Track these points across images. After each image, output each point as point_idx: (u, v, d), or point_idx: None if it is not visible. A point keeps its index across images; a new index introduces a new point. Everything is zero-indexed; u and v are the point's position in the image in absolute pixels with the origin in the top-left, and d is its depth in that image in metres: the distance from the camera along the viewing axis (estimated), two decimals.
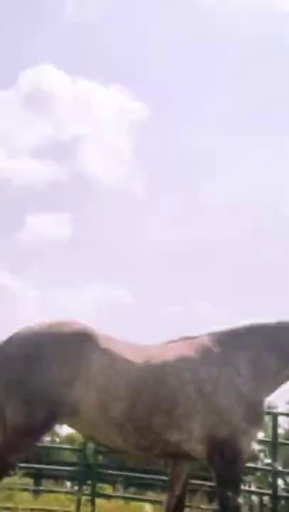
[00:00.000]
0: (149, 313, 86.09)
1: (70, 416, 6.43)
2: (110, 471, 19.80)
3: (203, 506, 16.30)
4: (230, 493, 6.47)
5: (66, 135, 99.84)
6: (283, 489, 31.17)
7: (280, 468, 16.40)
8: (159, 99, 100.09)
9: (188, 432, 6.48)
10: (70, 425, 6.93)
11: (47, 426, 6.52)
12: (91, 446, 15.85)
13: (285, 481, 38.87)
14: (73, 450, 16.75)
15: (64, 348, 6.33)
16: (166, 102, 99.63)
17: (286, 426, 48.70)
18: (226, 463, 6.52)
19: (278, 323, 7.28)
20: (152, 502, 16.96)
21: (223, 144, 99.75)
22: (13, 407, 6.15)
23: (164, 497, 19.49)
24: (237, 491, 6.61)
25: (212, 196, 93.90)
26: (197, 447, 6.57)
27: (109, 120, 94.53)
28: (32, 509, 12.30)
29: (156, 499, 19.02)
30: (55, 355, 6.26)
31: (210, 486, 18.60)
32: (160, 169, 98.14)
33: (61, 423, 6.97)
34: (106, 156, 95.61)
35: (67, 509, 13.69)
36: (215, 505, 16.58)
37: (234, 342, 7.06)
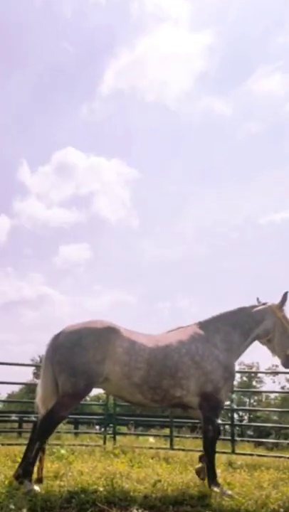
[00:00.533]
0: (146, 308, 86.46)
1: (103, 383, 6.66)
2: (125, 417, 20.03)
3: (187, 436, 16.47)
4: (210, 426, 6.81)
5: (84, 192, 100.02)
6: (237, 420, 31.39)
7: (234, 406, 16.83)
8: (145, 166, 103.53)
9: (187, 389, 6.75)
10: (104, 389, 7.18)
11: (86, 391, 6.69)
12: (111, 401, 15.95)
13: (238, 414, 39.03)
14: (99, 405, 16.90)
15: (97, 338, 6.48)
16: (149, 167, 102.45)
17: (238, 380, 48.71)
18: (210, 408, 6.85)
19: (239, 309, 7.51)
20: (154, 436, 17.23)
21: (189, 189, 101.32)
22: (63, 379, 6.36)
23: (162, 432, 19.63)
24: (215, 425, 6.87)
25: (185, 226, 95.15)
26: (193, 399, 6.85)
27: (112, 180, 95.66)
28: (73, 445, 12.45)
29: (157, 434, 19.25)
30: (91, 343, 6.43)
31: (192, 423, 18.96)
32: (148, 210, 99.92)
33: (97, 388, 7.07)
34: (112, 203, 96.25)
35: (97, 443, 13.80)
36: (195, 435, 16.87)
37: (211, 326, 7.25)
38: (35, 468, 6.37)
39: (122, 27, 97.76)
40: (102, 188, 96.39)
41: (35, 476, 6.31)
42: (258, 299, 7.80)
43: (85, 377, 6.37)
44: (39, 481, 6.30)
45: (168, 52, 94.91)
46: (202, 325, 7.35)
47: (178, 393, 6.76)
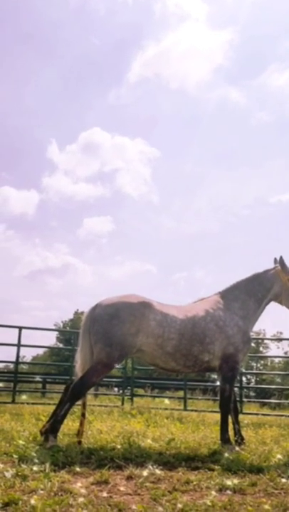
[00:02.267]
0: (164, 278, 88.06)
1: (137, 353, 6.80)
2: (142, 380, 20.13)
3: (199, 397, 16.56)
4: (227, 386, 6.91)
5: (108, 168, 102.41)
6: (245, 382, 31.59)
7: (243, 370, 16.86)
8: (165, 146, 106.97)
9: (213, 353, 6.87)
10: (139, 357, 7.28)
11: (119, 361, 6.72)
12: (129, 365, 16.06)
13: (246, 377, 39.40)
14: (118, 368, 16.99)
15: (133, 312, 6.54)
16: (169, 147, 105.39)
17: None
18: (229, 368, 6.93)
19: (253, 276, 7.62)
20: (169, 398, 17.30)
21: (204, 168, 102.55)
22: (99, 348, 6.42)
23: (176, 394, 19.73)
24: (232, 386, 7.02)
25: (200, 203, 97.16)
26: (218, 362, 6.96)
27: (135, 159, 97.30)
28: (93, 405, 12.52)
29: (172, 396, 19.33)
30: (127, 316, 6.49)
31: (204, 385, 19.00)
32: (167, 186, 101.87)
33: (132, 357, 7.06)
34: (134, 180, 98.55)
35: (116, 404, 13.88)
36: (206, 397, 16.97)
37: (230, 295, 7.39)
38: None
39: (148, 24, 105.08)
40: (125, 166, 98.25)
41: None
42: (275, 259, 7.83)
43: (119, 348, 6.44)
44: (79, 443, 6.33)
45: (190, 47, 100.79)
46: (222, 294, 7.48)
47: (206, 358, 6.86)
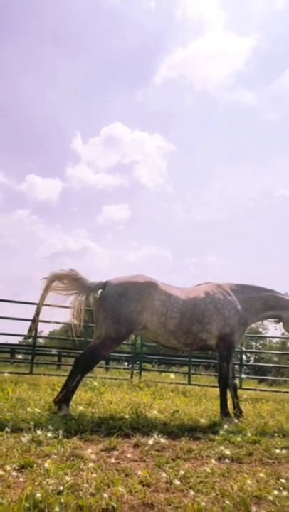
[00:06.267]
0: (175, 263, 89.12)
1: (141, 330, 6.76)
2: (150, 356, 20.18)
3: (202, 373, 16.60)
4: (224, 364, 6.96)
5: (127, 161, 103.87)
6: (245, 360, 31.67)
7: (243, 349, 16.86)
8: (180, 141, 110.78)
9: (211, 332, 6.91)
10: (143, 334, 7.31)
11: (126, 337, 6.75)
12: (138, 342, 16.09)
13: (246, 355, 39.49)
14: (128, 344, 17.02)
15: (139, 291, 6.55)
16: (184, 143, 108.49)
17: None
18: (225, 347, 6.95)
19: (272, 290, 7.54)
20: (174, 373, 17.33)
21: (215, 163, 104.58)
22: (107, 324, 6.40)
23: (181, 370, 19.73)
24: (229, 363, 7.02)
25: (211, 193, 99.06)
26: (214, 341, 6.98)
27: (152, 152, 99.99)
28: (104, 378, 12.57)
29: (177, 371, 19.37)
30: (134, 295, 6.49)
31: (207, 362, 19.03)
32: (181, 178, 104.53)
33: (137, 334, 7.03)
34: (151, 171, 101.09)
35: (125, 378, 13.92)
36: (209, 372, 17.00)
37: (238, 288, 7.37)
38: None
39: (170, 29, 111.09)
40: (143, 159, 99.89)
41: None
42: (287, 292, 7.76)
43: (127, 325, 6.43)
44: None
45: (215, 52, 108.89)
46: (230, 285, 7.47)
47: (204, 336, 6.90)
